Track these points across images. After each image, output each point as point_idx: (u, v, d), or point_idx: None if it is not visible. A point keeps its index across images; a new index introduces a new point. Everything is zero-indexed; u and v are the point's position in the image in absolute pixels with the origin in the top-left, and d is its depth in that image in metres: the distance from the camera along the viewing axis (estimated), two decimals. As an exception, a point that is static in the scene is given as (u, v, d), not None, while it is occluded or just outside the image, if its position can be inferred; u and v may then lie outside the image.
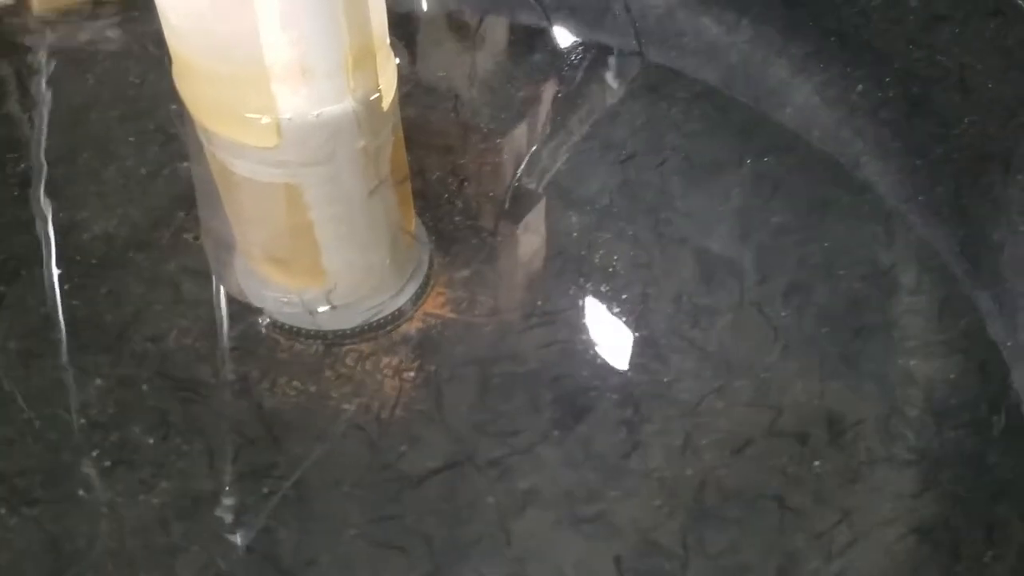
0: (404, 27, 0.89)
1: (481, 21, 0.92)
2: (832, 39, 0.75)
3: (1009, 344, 0.65)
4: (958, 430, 0.60)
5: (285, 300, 0.64)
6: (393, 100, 0.58)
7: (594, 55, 0.88)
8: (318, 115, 0.52)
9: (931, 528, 0.55)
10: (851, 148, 0.74)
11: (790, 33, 0.77)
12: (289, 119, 0.52)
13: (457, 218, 0.74)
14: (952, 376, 0.63)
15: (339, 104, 0.53)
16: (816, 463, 0.58)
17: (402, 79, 0.78)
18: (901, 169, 0.72)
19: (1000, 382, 0.63)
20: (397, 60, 0.58)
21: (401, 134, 0.61)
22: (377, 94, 0.55)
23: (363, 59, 0.53)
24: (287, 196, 0.56)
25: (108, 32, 0.88)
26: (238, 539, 0.56)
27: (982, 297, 0.67)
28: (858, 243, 0.69)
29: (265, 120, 0.52)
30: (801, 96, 0.77)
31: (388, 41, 0.57)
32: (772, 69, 0.79)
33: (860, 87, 0.73)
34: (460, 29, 0.92)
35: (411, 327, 0.67)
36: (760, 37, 0.80)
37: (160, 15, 0.52)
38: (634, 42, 0.88)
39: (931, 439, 0.59)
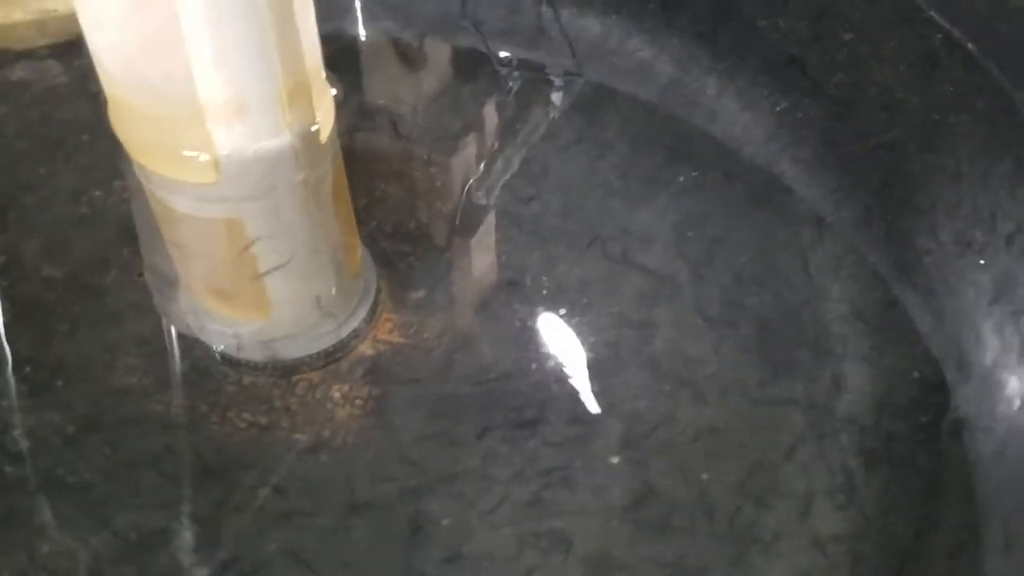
0: (344, 54, 0.90)
1: (420, 46, 0.93)
2: (758, 58, 0.78)
3: (939, 348, 0.67)
4: (891, 433, 0.62)
5: (231, 333, 0.65)
6: (331, 132, 0.58)
7: (532, 76, 0.89)
8: (255, 150, 0.52)
9: (866, 531, 0.57)
10: (779, 162, 0.77)
11: (718, 53, 0.80)
12: (227, 155, 0.52)
13: (404, 243, 0.75)
14: (884, 380, 0.65)
15: (276, 139, 0.53)
16: (756, 469, 0.60)
17: (344, 106, 0.79)
18: (828, 181, 0.75)
19: (931, 386, 0.65)
20: (334, 91, 0.59)
21: (342, 163, 0.62)
22: (314, 127, 0.55)
23: (298, 93, 0.53)
24: (228, 231, 0.56)
25: (46, 69, 0.88)
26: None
27: (911, 302, 0.70)
28: (790, 253, 0.72)
29: (202, 157, 0.52)
30: (730, 113, 0.80)
31: (323, 74, 0.57)
32: (702, 88, 0.82)
33: (784, 104, 0.76)
34: (399, 54, 0.93)
35: (361, 354, 0.67)
36: (690, 57, 0.82)
37: (92, 57, 0.52)
38: (571, 62, 0.90)
39: (864, 443, 0.61)
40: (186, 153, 0.52)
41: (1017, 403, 0.60)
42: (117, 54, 0.50)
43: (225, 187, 0.53)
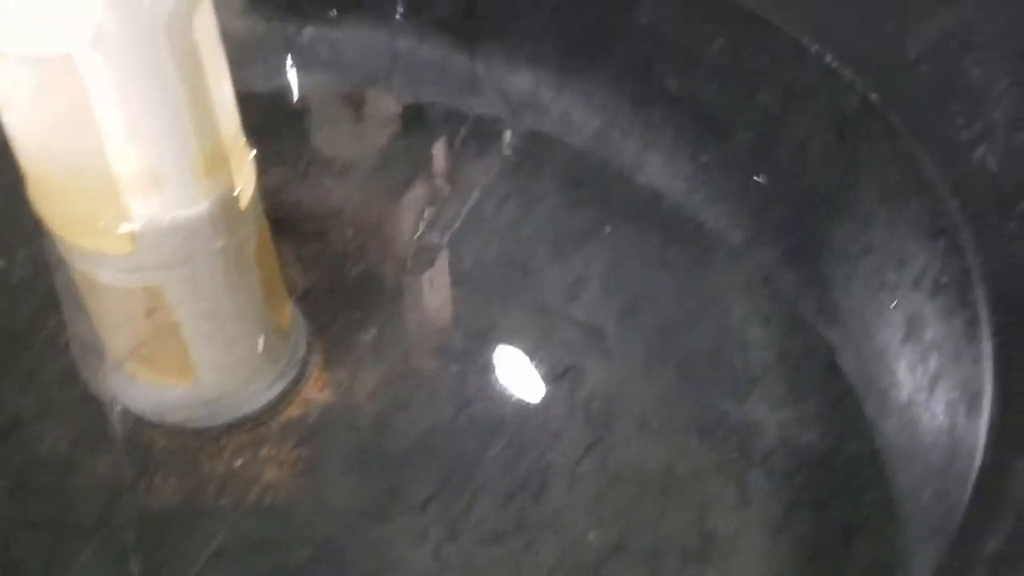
0: (276, 109, 0.91)
1: (353, 99, 0.94)
2: (679, 113, 0.80)
3: (860, 387, 0.69)
4: (814, 475, 0.64)
5: (157, 398, 0.64)
6: (253, 196, 0.59)
7: (467, 129, 0.91)
8: (171, 220, 0.53)
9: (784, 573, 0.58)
10: (702, 212, 0.79)
11: (642, 107, 0.82)
12: (143, 225, 0.53)
13: (335, 299, 0.75)
14: (807, 422, 0.66)
15: (193, 207, 0.53)
16: (679, 516, 0.61)
17: (274, 163, 0.79)
18: (749, 229, 0.77)
19: (854, 426, 0.67)
20: (253, 152, 0.59)
21: (266, 225, 0.62)
22: (233, 193, 0.56)
23: (215, 161, 0.54)
24: (147, 299, 0.56)
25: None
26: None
27: (833, 344, 0.72)
28: (712, 301, 0.73)
29: (118, 228, 0.52)
30: (654, 165, 0.82)
31: (242, 139, 0.58)
32: (628, 140, 0.84)
33: (705, 157, 0.78)
34: (333, 108, 0.94)
35: (291, 414, 0.67)
36: (616, 111, 0.84)
37: (6, 133, 0.52)
38: (504, 115, 0.92)
39: (787, 487, 0.63)
40: (102, 225, 0.52)
41: (929, 439, 0.61)
42: (30, 131, 0.50)
43: (142, 256, 0.54)
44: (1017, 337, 0.57)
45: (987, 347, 0.54)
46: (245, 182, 0.58)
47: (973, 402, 0.56)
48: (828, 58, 0.69)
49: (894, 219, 0.66)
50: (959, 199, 0.62)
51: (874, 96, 0.65)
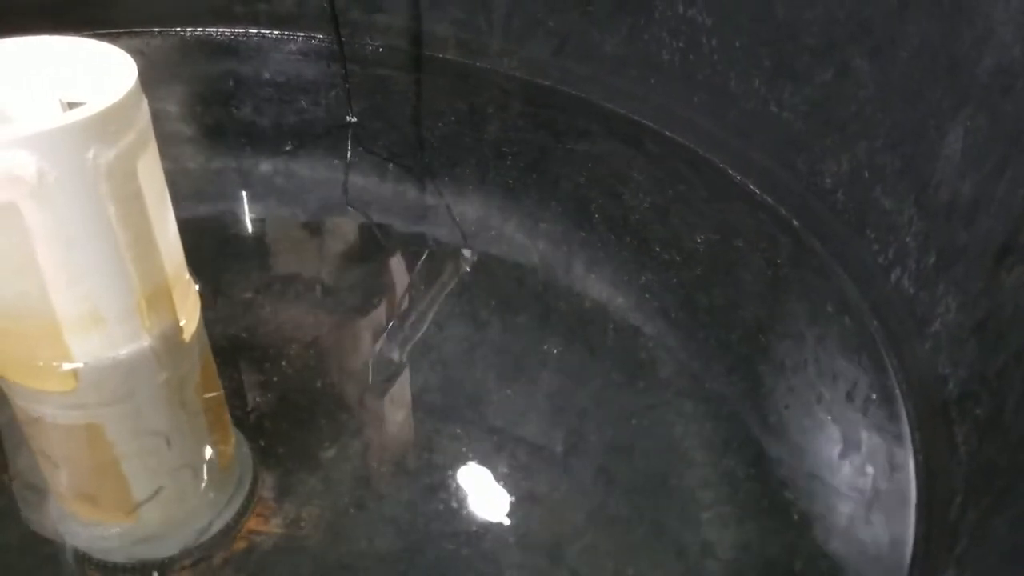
0: (235, 239, 0.92)
1: (306, 227, 0.97)
2: (623, 238, 0.83)
3: (803, 504, 0.70)
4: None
5: (99, 535, 0.63)
6: (197, 328, 0.60)
7: (418, 253, 0.94)
8: (114, 357, 0.54)
9: None
10: (644, 330, 0.81)
11: (580, 233, 0.85)
12: (85, 364, 0.53)
13: (284, 428, 0.75)
14: (751, 543, 0.66)
15: (135, 344, 0.55)
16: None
17: (225, 294, 0.80)
18: (691, 350, 0.79)
19: (799, 541, 0.67)
20: (197, 287, 0.61)
21: (210, 357, 0.63)
22: (176, 327, 0.57)
23: (157, 299, 0.55)
24: (89, 436, 0.57)
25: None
26: None
27: (775, 459, 0.73)
28: (656, 420, 0.74)
29: (60, 367, 0.53)
30: (599, 286, 0.84)
31: (186, 275, 0.60)
32: (570, 263, 0.86)
33: (644, 279, 0.80)
34: (288, 238, 0.97)
35: (234, 549, 0.66)
36: (561, 235, 0.87)
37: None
38: (455, 236, 0.95)
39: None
40: (44, 364, 0.53)
41: (872, 553, 0.62)
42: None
43: (84, 394, 0.54)
44: (937, 452, 0.58)
45: (912, 462, 0.56)
46: (189, 315, 0.59)
47: (904, 516, 0.57)
48: (751, 186, 0.73)
49: (822, 336, 0.68)
50: (878, 319, 0.65)
51: (796, 222, 0.69)
